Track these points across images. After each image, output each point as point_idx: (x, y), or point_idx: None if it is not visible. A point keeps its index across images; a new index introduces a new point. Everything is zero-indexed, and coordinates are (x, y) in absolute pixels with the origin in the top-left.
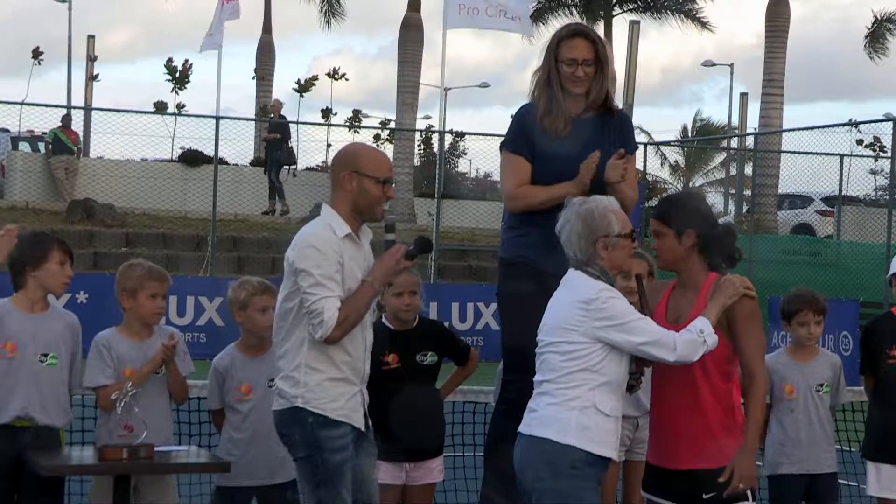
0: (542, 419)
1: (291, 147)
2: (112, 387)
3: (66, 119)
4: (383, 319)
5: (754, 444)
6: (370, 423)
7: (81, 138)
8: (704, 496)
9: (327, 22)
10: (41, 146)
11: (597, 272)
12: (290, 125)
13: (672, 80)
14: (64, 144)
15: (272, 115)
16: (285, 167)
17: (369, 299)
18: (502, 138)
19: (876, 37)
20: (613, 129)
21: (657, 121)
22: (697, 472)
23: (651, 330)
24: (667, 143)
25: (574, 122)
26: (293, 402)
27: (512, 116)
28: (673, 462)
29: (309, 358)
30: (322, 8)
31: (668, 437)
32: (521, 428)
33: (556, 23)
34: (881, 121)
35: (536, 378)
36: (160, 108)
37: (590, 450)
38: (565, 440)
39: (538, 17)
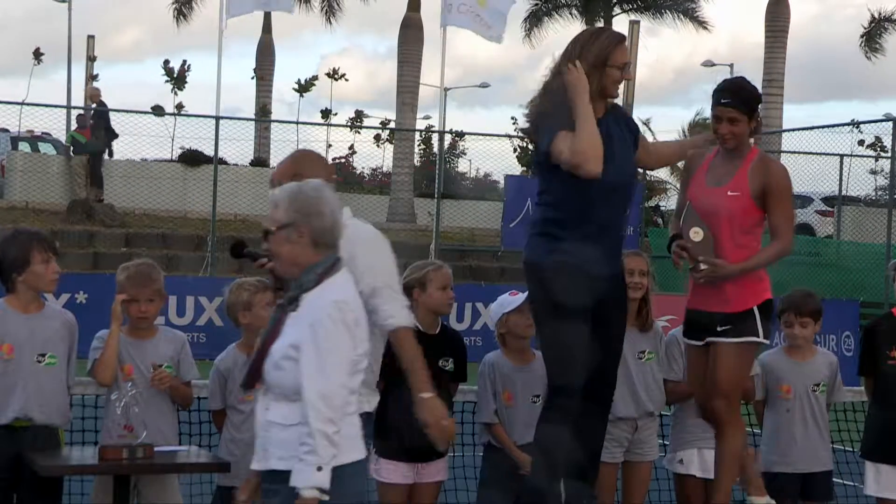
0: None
1: (103, 133)
2: (103, 358)
3: (81, 119)
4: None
5: (743, 267)
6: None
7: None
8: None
9: (328, 21)
10: (41, 146)
11: None
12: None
13: (683, 80)
14: (81, 144)
15: (93, 104)
16: (104, 154)
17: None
18: (502, 138)
19: (871, 36)
20: (625, 125)
21: (664, 120)
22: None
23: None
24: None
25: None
26: None
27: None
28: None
29: None
30: (322, 8)
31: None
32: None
33: (554, 25)
34: (881, 121)
35: None
36: (158, 111)
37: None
38: None
39: (535, 18)
